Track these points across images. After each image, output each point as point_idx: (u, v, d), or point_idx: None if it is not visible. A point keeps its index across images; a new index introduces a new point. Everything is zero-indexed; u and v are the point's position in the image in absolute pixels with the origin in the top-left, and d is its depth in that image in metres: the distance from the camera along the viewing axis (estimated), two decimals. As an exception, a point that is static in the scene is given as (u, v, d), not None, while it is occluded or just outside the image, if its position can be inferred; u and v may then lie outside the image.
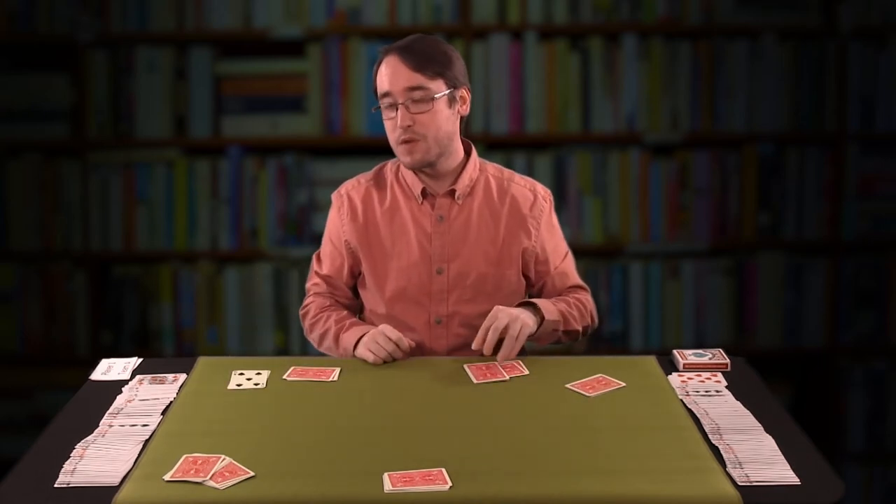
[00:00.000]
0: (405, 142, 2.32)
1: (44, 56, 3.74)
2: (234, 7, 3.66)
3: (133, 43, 3.68)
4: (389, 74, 2.30)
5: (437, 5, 3.65)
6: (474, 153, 2.45)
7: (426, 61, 2.30)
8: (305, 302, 2.53)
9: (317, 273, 2.52)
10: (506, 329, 2.26)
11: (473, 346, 2.28)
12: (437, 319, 2.41)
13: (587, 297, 2.52)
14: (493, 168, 2.48)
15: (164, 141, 3.72)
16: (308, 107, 3.71)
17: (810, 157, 3.71)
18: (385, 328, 2.31)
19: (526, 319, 2.29)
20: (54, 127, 3.70)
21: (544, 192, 2.48)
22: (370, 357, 2.29)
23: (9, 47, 3.73)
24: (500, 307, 2.30)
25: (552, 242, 2.48)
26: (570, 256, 2.54)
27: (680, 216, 3.74)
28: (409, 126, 2.30)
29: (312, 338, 2.49)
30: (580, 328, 2.44)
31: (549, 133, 3.71)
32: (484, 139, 3.66)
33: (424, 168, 2.38)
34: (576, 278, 2.54)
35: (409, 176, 2.42)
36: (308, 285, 2.55)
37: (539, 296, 2.50)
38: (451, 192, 2.41)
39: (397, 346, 2.29)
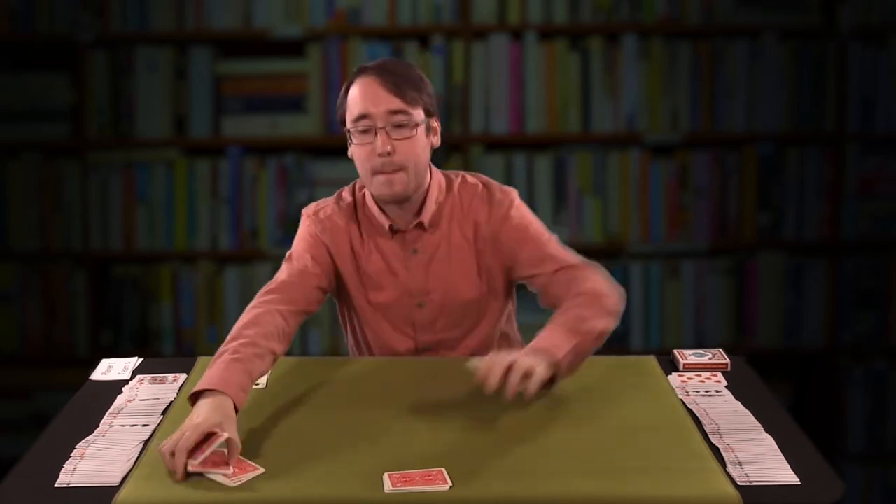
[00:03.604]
0: (384, 172, 2.16)
1: (44, 56, 3.74)
2: (234, 7, 3.66)
3: (133, 43, 3.68)
4: (368, 96, 2.15)
5: (437, 5, 3.65)
6: (436, 174, 2.29)
7: (405, 84, 2.15)
8: (249, 307, 2.23)
9: (287, 273, 2.25)
10: (510, 367, 1.93)
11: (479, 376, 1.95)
12: (424, 347, 2.33)
13: (594, 280, 2.20)
14: (458, 184, 2.29)
15: (164, 141, 3.72)
16: (308, 107, 3.71)
17: (810, 157, 3.71)
18: (189, 439, 1.75)
19: (535, 363, 1.95)
20: (54, 127, 3.70)
21: (501, 196, 2.27)
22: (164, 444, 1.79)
23: (9, 47, 3.73)
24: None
25: (525, 241, 2.26)
26: (553, 238, 2.28)
27: (680, 216, 3.74)
28: (389, 153, 2.13)
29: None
30: (604, 327, 2.17)
31: (549, 133, 3.71)
32: (484, 139, 3.65)
33: (400, 201, 2.21)
34: (567, 258, 2.25)
35: (375, 211, 2.27)
36: (260, 292, 2.27)
37: (540, 292, 2.27)
38: (420, 225, 2.25)
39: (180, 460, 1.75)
